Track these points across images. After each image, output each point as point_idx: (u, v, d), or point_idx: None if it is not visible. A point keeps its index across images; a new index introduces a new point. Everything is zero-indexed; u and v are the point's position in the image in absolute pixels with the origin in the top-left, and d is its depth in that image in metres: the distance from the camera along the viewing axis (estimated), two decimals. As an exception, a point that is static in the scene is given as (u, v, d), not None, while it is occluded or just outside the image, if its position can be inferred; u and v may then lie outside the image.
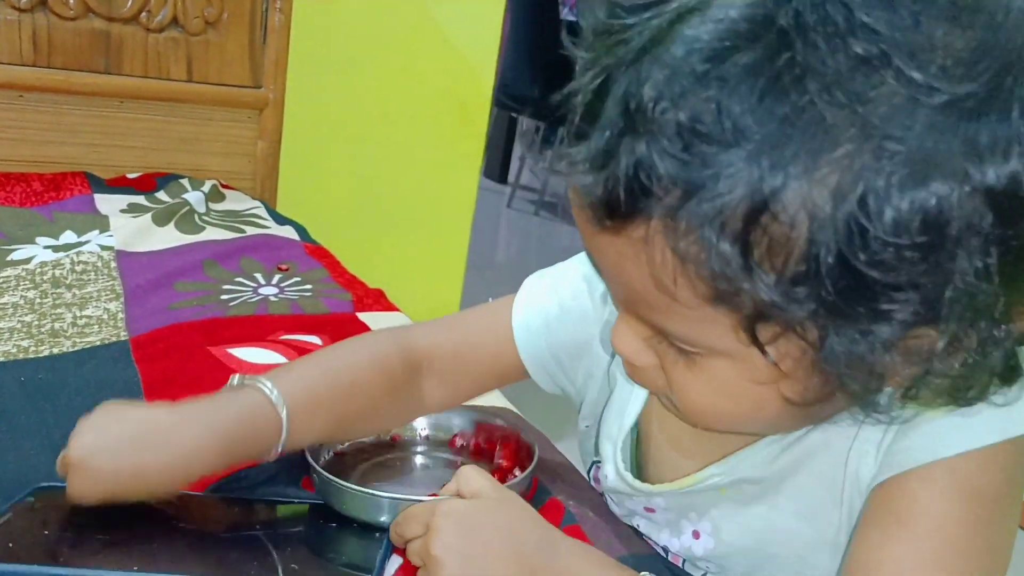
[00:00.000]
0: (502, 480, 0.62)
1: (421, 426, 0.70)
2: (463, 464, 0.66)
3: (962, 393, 0.42)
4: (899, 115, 0.35)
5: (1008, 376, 0.42)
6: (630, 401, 0.60)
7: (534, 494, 0.63)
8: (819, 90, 0.35)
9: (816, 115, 0.35)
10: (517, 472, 0.63)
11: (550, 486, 0.65)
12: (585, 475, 0.69)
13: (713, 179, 0.36)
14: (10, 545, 0.52)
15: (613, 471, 0.60)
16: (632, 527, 0.63)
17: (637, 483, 0.58)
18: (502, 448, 0.67)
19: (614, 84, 0.39)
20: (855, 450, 0.49)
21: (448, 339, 0.66)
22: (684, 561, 0.60)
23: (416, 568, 0.51)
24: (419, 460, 0.68)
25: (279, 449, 0.57)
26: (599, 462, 0.63)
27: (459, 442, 0.69)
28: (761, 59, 0.36)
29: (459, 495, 0.53)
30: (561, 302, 0.63)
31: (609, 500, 0.64)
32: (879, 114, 0.35)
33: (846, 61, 0.35)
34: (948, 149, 0.35)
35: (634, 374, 0.50)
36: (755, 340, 0.40)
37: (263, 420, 0.56)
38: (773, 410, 0.44)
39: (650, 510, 0.60)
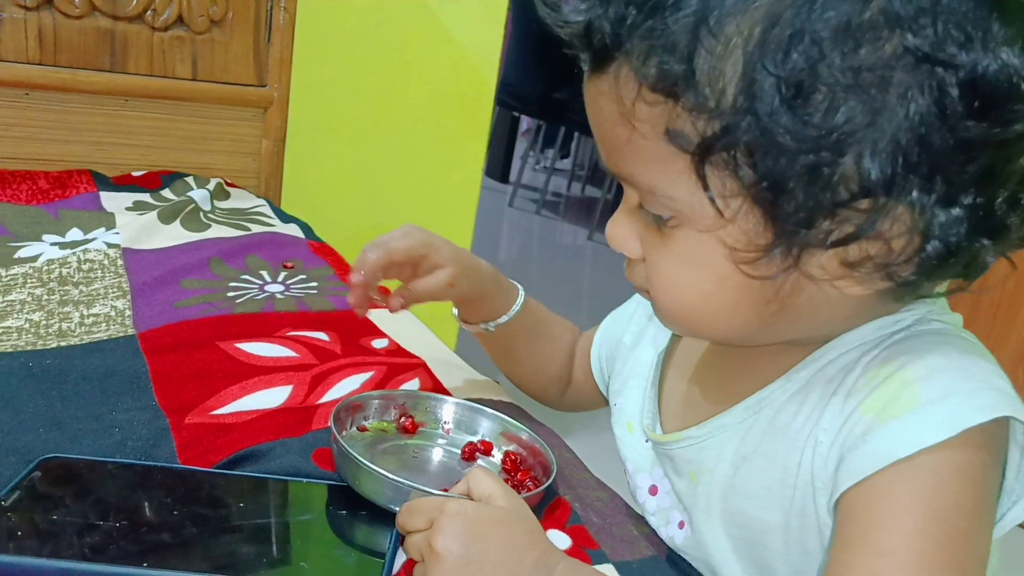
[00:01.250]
0: (515, 490, 0.62)
1: (445, 419, 0.71)
2: (479, 465, 0.67)
3: (905, 274, 0.44)
4: None
5: (954, 266, 0.44)
6: (651, 360, 0.66)
7: (541, 499, 0.63)
8: None
9: None
10: (530, 484, 0.64)
11: (557, 486, 0.66)
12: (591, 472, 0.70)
13: (665, 5, 0.43)
14: (19, 533, 0.52)
15: (632, 431, 0.64)
16: (640, 520, 0.64)
17: (651, 433, 0.62)
18: (521, 461, 0.68)
19: None
20: (811, 438, 0.50)
21: (582, 345, 0.80)
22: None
23: None
24: (437, 453, 0.69)
25: (505, 319, 0.76)
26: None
27: (475, 453, 0.69)
28: None
29: (468, 496, 0.54)
30: (619, 314, 0.76)
31: (627, 473, 0.66)
32: None
33: None
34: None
35: (628, 271, 0.55)
36: (700, 175, 0.44)
37: (511, 289, 0.77)
38: (730, 285, 0.47)
39: (653, 492, 0.62)
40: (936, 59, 0.40)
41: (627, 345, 0.71)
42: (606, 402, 0.75)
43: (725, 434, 0.55)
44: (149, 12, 1.30)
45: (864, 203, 0.42)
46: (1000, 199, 0.42)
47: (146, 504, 0.58)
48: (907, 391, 0.46)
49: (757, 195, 0.44)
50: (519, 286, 0.77)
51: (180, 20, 1.32)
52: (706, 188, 0.45)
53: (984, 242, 0.43)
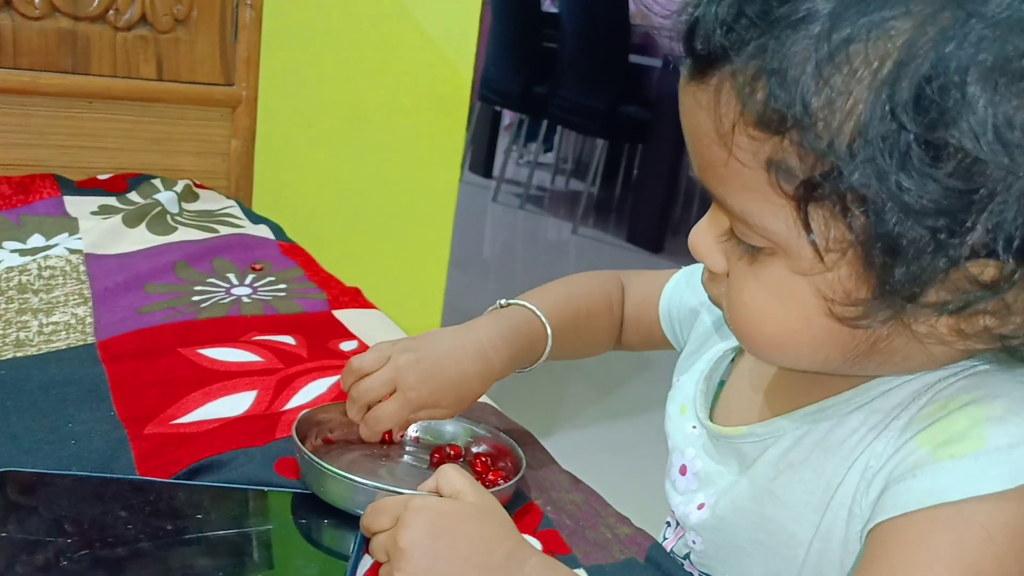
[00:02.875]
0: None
1: (412, 428, 0.69)
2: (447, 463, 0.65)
3: (1013, 340, 0.41)
4: None
5: None
6: (719, 353, 0.63)
7: (510, 499, 0.61)
8: None
9: None
10: (501, 482, 0.62)
11: (527, 489, 0.64)
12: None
13: (785, 20, 0.37)
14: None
15: (684, 414, 0.62)
16: (622, 514, 0.63)
17: (706, 420, 0.60)
18: (491, 462, 0.66)
19: None
20: (862, 460, 0.47)
21: (636, 294, 0.76)
22: (678, 539, 0.60)
23: None
24: (404, 460, 0.67)
25: (544, 359, 0.69)
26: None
27: (444, 459, 0.67)
28: None
29: (438, 494, 0.52)
30: (691, 274, 0.72)
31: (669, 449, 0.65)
32: None
33: None
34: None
35: (707, 281, 0.51)
36: (802, 214, 0.40)
37: (536, 331, 0.68)
38: (817, 326, 0.44)
39: (683, 472, 0.60)
40: None
41: (705, 325, 0.68)
42: (669, 344, 0.75)
43: (780, 437, 0.53)
44: (111, 12, 1.27)
45: (990, 271, 0.39)
46: None
47: (102, 517, 0.56)
48: (974, 431, 0.42)
49: (865, 249, 0.39)
50: (546, 323, 0.68)
51: (143, 19, 1.30)
52: (808, 230, 0.41)
53: None
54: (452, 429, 0.69)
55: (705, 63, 0.41)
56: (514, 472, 0.63)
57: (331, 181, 1.68)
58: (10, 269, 0.97)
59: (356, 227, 1.73)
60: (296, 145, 1.60)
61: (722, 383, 0.63)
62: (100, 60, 1.28)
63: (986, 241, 0.37)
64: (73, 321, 0.87)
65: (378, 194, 1.76)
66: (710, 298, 0.52)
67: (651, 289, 0.76)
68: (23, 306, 0.89)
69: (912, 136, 0.36)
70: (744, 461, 0.55)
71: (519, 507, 0.62)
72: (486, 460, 0.66)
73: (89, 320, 0.88)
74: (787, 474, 0.51)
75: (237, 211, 1.27)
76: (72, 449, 0.65)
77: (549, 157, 4.95)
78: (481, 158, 4.66)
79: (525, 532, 0.59)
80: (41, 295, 0.92)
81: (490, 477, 0.63)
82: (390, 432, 0.67)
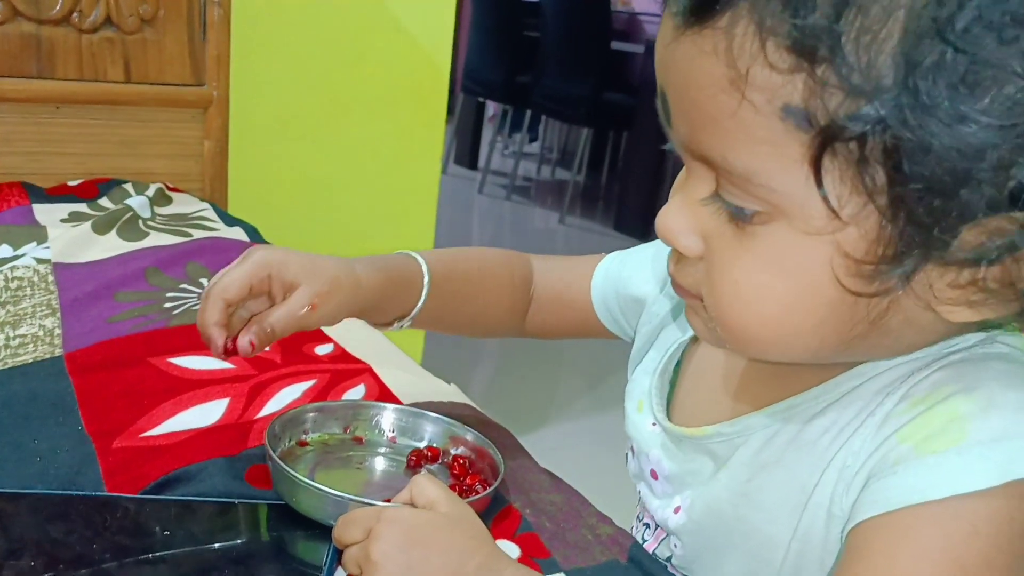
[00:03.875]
0: (463, 495, 0.59)
1: (389, 428, 0.68)
2: (426, 471, 0.64)
3: None
4: None
5: None
6: (673, 343, 0.61)
7: (489, 503, 0.60)
8: None
9: None
10: (479, 488, 0.61)
11: (508, 493, 0.63)
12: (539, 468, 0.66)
13: None
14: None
15: (641, 411, 0.60)
16: (603, 513, 0.62)
17: (664, 420, 0.57)
18: (470, 464, 0.64)
19: None
20: (838, 460, 0.45)
21: (551, 276, 0.73)
22: (660, 542, 0.59)
23: None
24: (381, 462, 0.66)
25: (416, 310, 0.64)
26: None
27: (420, 461, 0.65)
28: None
29: (412, 504, 0.51)
30: (639, 262, 0.68)
31: (629, 457, 0.63)
32: None
33: None
34: None
35: (675, 269, 0.47)
36: (817, 170, 0.37)
37: (412, 274, 0.64)
38: (822, 299, 0.40)
39: (654, 476, 0.58)
40: None
41: (653, 314, 0.64)
42: (607, 333, 0.71)
43: (750, 436, 0.51)
44: (75, 14, 1.25)
45: (1018, 218, 0.36)
46: None
47: (64, 537, 0.54)
48: (955, 425, 0.41)
49: (894, 196, 0.36)
50: (423, 264, 0.64)
51: (109, 21, 1.27)
52: (820, 184, 0.37)
53: None
54: (431, 429, 0.67)
55: (712, 4, 0.38)
56: (492, 475, 0.61)
57: (308, 179, 1.66)
58: (-24, 281, 0.95)
59: (336, 225, 1.71)
60: (271, 144, 1.58)
61: (675, 377, 0.60)
62: (65, 64, 1.26)
63: (1019, 186, 0.35)
64: (41, 333, 0.85)
65: (358, 190, 1.74)
66: (679, 289, 0.48)
67: (575, 274, 0.71)
68: (-11, 319, 0.87)
69: (962, 60, 0.33)
70: (716, 461, 0.53)
71: (497, 511, 0.60)
72: (464, 463, 0.64)
73: (57, 332, 0.86)
74: (761, 475, 0.50)
75: (211, 214, 1.25)
76: (37, 466, 0.63)
77: (534, 147, 4.92)
78: (466, 150, 4.64)
79: (504, 537, 0.58)
80: (8, 307, 0.90)
81: (468, 481, 0.62)
82: (362, 436, 0.66)
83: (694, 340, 0.60)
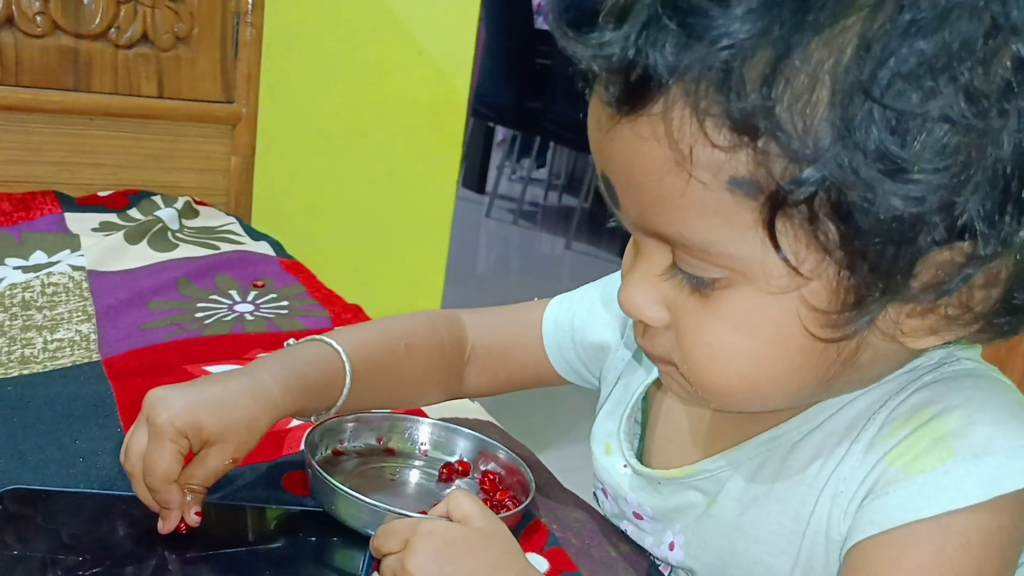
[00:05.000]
0: (494, 511, 0.61)
1: (422, 441, 0.70)
2: (458, 486, 0.66)
3: (1007, 321, 0.40)
4: None
5: None
6: (638, 387, 0.60)
7: (520, 520, 0.62)
8: None
9: None
10: (509, 504, 0.62)
11: (535, 508, 0.65)
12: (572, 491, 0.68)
13: (730, 27, 0.35)
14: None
15: (609, 453, 0.60)
16: (622, 531, 0.63)
17: (637, 465, 0.58)
18: (500, 480, 0.66)
19: None
20: (830, 487, 0.47)
21: (490, 332, 0.70)
22: (672, 569, 0.60)
23: None
24: (414, 475, 0.67)
25: (340, 404, 0.61)
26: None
27: (452, 474, 0.67)
28: None
29: (447, 518, 0.52)
30: (591, 307, 0.67)
31: (601, 498, 0.64)
32: None
33: None
34: (979, 12, 0.34)
35: (643, 340, 0.48)
36: (771, 233, 0.38)
37: (332, 370, 0.60)
38: (794, 350, 0.42)
39: (639, 516, 0.60)
40: None
41: (617, 359, 0.64)
42: (560, 381, 0.70)
43: (736, 469, 0.52)
44: (113, 30, 1.28)
45: (965, 248, 0.38)
46: None
47: (109, 536, 0.56)
48: (941, 444, 0.43)
49: (844, 251, 0.38)
50: (344, 357, 0.60)
51: (145, 37, 1.30)
52: (777, 247, 0.38)
53: None
54: (462, 444, 0.69)
55: (645, 92, 0.38)
56: (522, 491, 0.63)
57: (329, 197, 1.69)
58: (13, 286, 0.97)
59: (353, 242, 1.73)
60: (295, 161, 1.61)
61: (644, 420, 0.61)
62: (101, 78, 1.29)
63: (963, 219, 0.36)
64: (77, 338, 0.87)
65: (375, 209, 1.77)
66: (651, 357, 0.48)
67: (519, 327, 0.69)
68: (27, 323, 0.90)
69: (883, 121, 0.35)
70: (705, 495, 0.54)
71: (526, 526, 0.62)
72: (494, 478, 0.66)
73: (93, 337, 0.88)
74: (753, 509, 0.51)
75: (237, 227, 1.28)
76: (79, 467, 0.65)
77: (542, 173, 4.96)
78: (474, 174, 4.67)
79: (533, 550, 0.60)
80: (45, 312, 0.93)
81: (498, 497, 0.64)
82: (395, 447, 0.68)
83: (658, 381, 0.60)
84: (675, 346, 0.46)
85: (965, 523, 0.42)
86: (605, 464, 0.61)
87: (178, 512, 0.55)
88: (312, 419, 0.62)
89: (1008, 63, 0.35)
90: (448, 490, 0.66)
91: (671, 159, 0.39)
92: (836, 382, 0.45)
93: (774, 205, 0.37)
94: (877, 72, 0.35)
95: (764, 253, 0.39)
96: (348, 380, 0.60)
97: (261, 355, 0.60)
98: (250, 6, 1.34)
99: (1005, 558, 0.43)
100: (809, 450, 0.49)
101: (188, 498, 0.55)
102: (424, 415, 0.75)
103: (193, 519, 0.55)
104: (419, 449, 0.69)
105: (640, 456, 0.60)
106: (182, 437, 0.53)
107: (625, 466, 0.60)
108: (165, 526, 0.55)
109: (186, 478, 0.54)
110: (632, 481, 0.59)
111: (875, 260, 0.38)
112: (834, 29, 0.35)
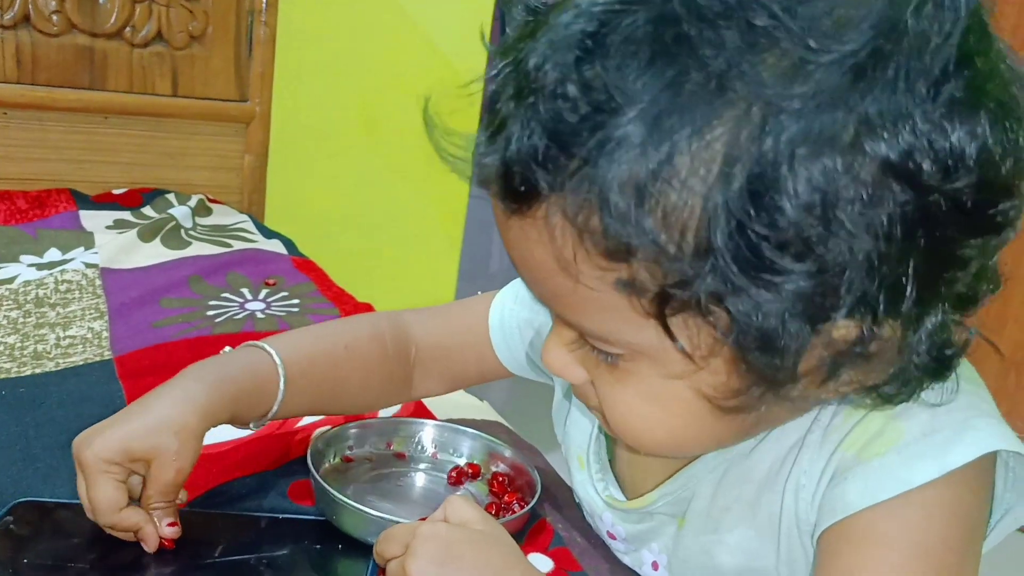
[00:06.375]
0: (498, 513, 0.61)
1: (430, 444, 0.69)
2: (467, 488, 0.66)
3: (887, 389, 0.41)
4: (789, 77, 0.35)
5: (938, 372, 0.41)
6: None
7: (527, 520, 0.62)
8: (708, 52, 0.35)
9: (704, 77, 0.35)
10: (516, 507, 0.62)
11: (540, 508, 0.64)
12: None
13: (600, 147, 0.36)
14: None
15: (583, 468, 0.59)
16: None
17: (609, 496, 0.57)
18: (509, 482, 0.66)
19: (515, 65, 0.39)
20: (791, 481, 0.48)
21: (435, 332, 0.68)
22: None
23: None
24: (423, 478, 0.67)
25: (275, 410, 0.59)
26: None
27: (461, 477, 0.67)
28: (649, 21, 0.35)
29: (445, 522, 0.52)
30: (534, 304, 0.63)
31: (583, 509, 0.64)
32: (768, 77, 0.35)
33: (736, 27, 0.35)
34: (838, 119, 0.35)
35: (574, 391, 0.49)
36: (664, 326, 0.39)
37: (264, 376, 0.58)
38: (704, 418, 0.43)
39: (612, 536, 0.59)
40: (907, 170, 0.35)
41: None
42: (510, 375, 0.69)
43: (697, 486, 0.53)
44: (128, 28, 1.29)
45: (852, 331, 0.39)
46: (972, 280, 0.39)
47: (116, 545, 0.56)
48: (890, 426, 0.44)
49: (734, 342, 0.38)
50: (278, 362, 0.59)
51: (159, 36, 1.31)
52: (672, 338, 0.39)
53: (962, 326, 0.41)
54: (470, 446, 0.69)
55: (524, 199, 0.38)
56: (529, 493, 0.63)
57: (342, 196, 1.70)
58: (27, 283, 0.98)
59: (366, 240, 1.74)
60: (308, 160, 1.62)
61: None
62: (116, 76, 1.30)
63: (844, 306, 0.37)
64: (90, 335, 0.88)
65: (388, 208, 1.77)
66: (587, 406, 0.49)
67: (464, 323, 0.68)
68: (40, 320, 0.90)
69: (753, 229, 0.35)
70: (674, 516, 0.54)
71: (531, 526, 0.62)
72: (503, 480, 0.66)
73: (105, 334, 0.89)
74: (726, 519, 0.51)
75: (250, 225, 1.28)
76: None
77: (557, 170, 4.96)
78: (489, 171, 4.67)
79: (537, 550, 0.60)
80: (58, 309, 0.93)
81: (506, 499, 0.64)
82: (404, 452, 0.68)
83: None
84: (598, 403, 0.47)
85: (924, 498, 0.43)
86: (581, 480, 0.60)
87: (151, 529, 0.54)
88: (251, 427, 0.60)
89: (869, 166, 0.35)
90: (459, 492, 0.66)
91: (557, 262, 0.39)
92: (758, 427, 0.47)
93: (661, 302, 0.38)
94: (742, 185, 0.35)
95: (660, 340, 0.40)
96: (282, 385, 0.59)
97: (194, 363, 0.59)
98: (264, 5, 1.35)
99: (968, 527, 0.44)
100: (768, 451, 0.49)
101: (156, 515, 0.54)
102: (432, 416, 0.75)
103: (167, 532, 0.54)
104: (428, 452, 0.69)
105: (614, 470, 0.59)
106: (113, 466, 0.52)
107: (594, 487, 0.60)
108: (147, 547, 0.55)
109: (144, 500, 0.54)
110: (602, 502, 0.59)
111: (763, 348, 0.38)
112: (701, 143, 0.35)
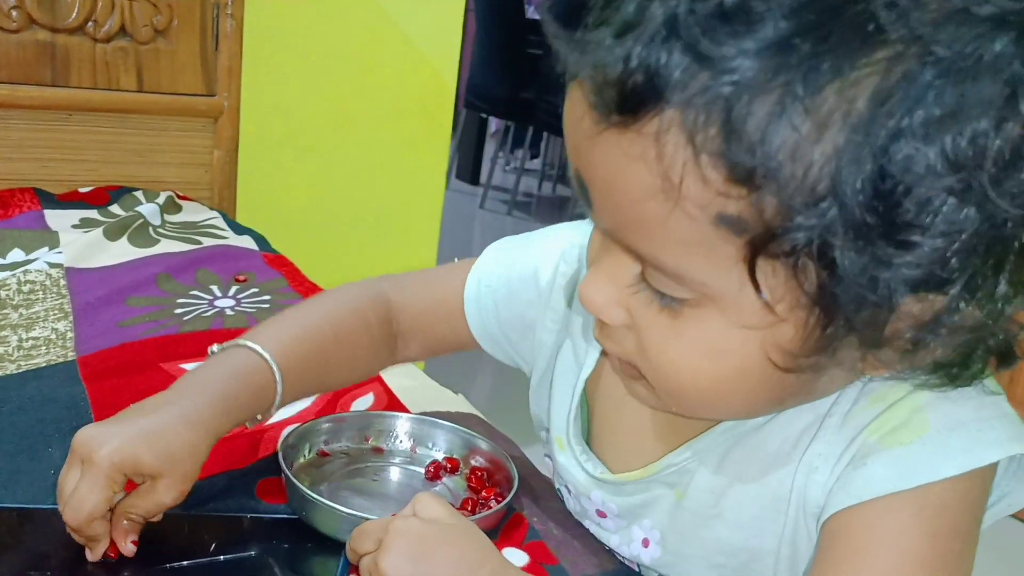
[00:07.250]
0: (475, 508, 0.60)
1: (401, 437, 0.68)
2: (445, 483, 0.65)
3: (957, 370, 0.41)
4: (948, 23, 0.33)
5: (1004, 358, 0.42)
6: (579, 377, 0.58)
7: (504, 515, 0.61)
8: None
9: (861, 10, 0.33)
10: (493, 502, 0.61)
11: (516, 503, 0.63)
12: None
13: (742, 63, 0.33)
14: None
15: (563, 449, 0.58)
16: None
17: (603, 472, 0.56)
18: (487, 476, 0.65)
19: None
20: (804, 464, 0.47)
21: (414, 299, 0.67)
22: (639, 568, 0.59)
23: None
24: (400, 473, 0.66)
25: (275, 407, 0.59)
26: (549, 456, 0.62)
27: (439, 471, 0.66)
28: None
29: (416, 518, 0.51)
30: (510, 284, 0.63)
31: (566, 495, 0.62)
32: (927, 19, 0.33)
33: None
34: (993, 66, 0.33)
35: (602, 336, 0.46)
36: (751, 272, 0.37)
37: (262, 382, 0.57)
38: (755, 377, 0.42)
39: (602, 515, 0.58)
40: None
41: (546, 344, 0.61)
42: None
43: (702, 460, 0.51)
44: (90, 23, 1.26)
45: (939, 302, 0.37)
46: None
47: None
48: (918, 416, 0.44)
49: (827, 295, 0.37)
50: (273, 366, 0.58)
51: (123, 30, 1.29)
52: (756, 286, 0.37)
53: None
54: (447, 439, 0.68)
55: (639, 108, 0.36)
56: (507, 487, 0.62)
57: (316, 190, 1.67)
58: (-11, 285, 0.96)
59: (342, 236, 1.72)
60: (279, 154, 1.59)
61: (586, 415, 0.59)
62: (80, 72, 1.27)
63: (959, 281, 0.36)
64: (54, 336, 0.86)
65: (364, 202, 1.75)
66: (609, 354, 0.47)
67: (440, 292, 0.66)
68: (2, 322, 0.88)
69: (890, 183, 0.34)
70: (674, 488, 0.53)
71: (507, 520, 0.61)
72: (482, 475, 0.65)
73: (70, 335, 0.86)
74: (729, 494, 0.50)
75: (220, 222, 1.26)
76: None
77: (536, 163, 4.94)
78: (468, 165, 4.66)
79: (512, 545, 0.59)
80: (21, 310, 0.91)
81: (484, 494, 0.63)
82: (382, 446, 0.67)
83: (596, 373, 0.57)
84: (636, 350, 0.44)
85: (942, 490, 0.43)
86: (563, 461, 0.59)
87: (105, 544, 0.53)
88: (247, 425, 0.59)
89: (1020, 131, 0.34)
90: (436, 488, 0.65)
91: (658, 185, 0.36)
92: (790, 400, 0.46)
93: (759, 245, 0.36)
94: (886, 130, 0.33)
95: (740, 288, 0.38)
96: (279, 389, 0.58)
97: (186, 372, 0.58)
98: (230, -3, 1.32)
99: (975, 515, 0.45)
100: (776, 432, 0.49)
101: (124, 524, 0.53)
102: (405, 410, 0.74)
103: (130, 549, 0.53)
104: (406, 447, 0.68)
105: (589, 445, 0.58)
106: (120, 474, 0.51)
107: (577, 464, 0.58)
108: (91, 556, 0.53)
109: (127, 507, 0.53)
110: (592, 479, 0.57)
111: (852, 310, 0.37)
112: (847, 80, 0.33)
